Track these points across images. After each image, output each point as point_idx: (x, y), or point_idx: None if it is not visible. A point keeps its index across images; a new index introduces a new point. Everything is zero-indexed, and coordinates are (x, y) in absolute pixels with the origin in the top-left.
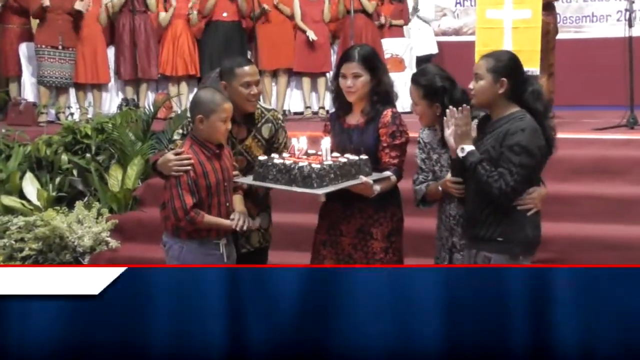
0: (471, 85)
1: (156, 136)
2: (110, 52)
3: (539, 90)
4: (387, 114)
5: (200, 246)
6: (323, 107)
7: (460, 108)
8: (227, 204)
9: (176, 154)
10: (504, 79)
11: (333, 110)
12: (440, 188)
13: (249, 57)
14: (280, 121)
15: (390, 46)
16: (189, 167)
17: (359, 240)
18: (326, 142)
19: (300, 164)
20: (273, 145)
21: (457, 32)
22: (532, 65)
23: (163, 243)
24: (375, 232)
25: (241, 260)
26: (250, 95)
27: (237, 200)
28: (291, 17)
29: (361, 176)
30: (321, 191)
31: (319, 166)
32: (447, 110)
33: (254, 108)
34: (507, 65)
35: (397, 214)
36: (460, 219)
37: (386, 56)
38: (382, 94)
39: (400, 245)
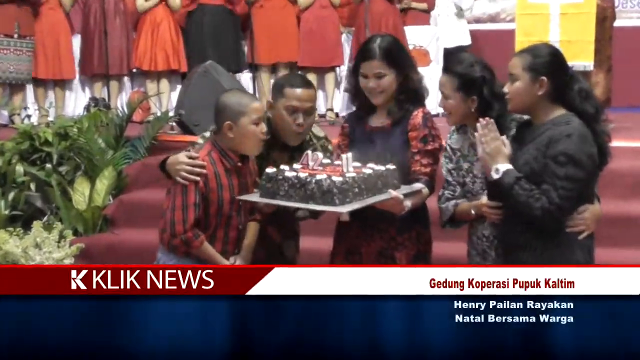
0: (506, 88)
1: (131, 143)
2: (76, 42)
3: (588, 89)
4: (418, 115)
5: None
6: (332, 109)
7: (483, 122)
8: (240, 227)
9: (189, 157)
10: (544, 77)
11: (350, 111)
12: (473, 211)
13: (243, 48)
14: (329, 154)
15: (412, 36)
16: (197, 178)
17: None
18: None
19: (318, 176)
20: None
21: (493, 18)
22: (584, 59)
23: (157, 259)
24: (399, 256)
25: None
26: (296, 124)
27: (249, 231)
28: (294, 1)
29: (390, 190)
30: (345, 209)
31: (340, 179)
32: (478, 125)
33: (297, 141)
34: (547, 62)
35: (424, 235)
36: (494, 240)
37: (409, 47)
38: (410, 92)
39: None
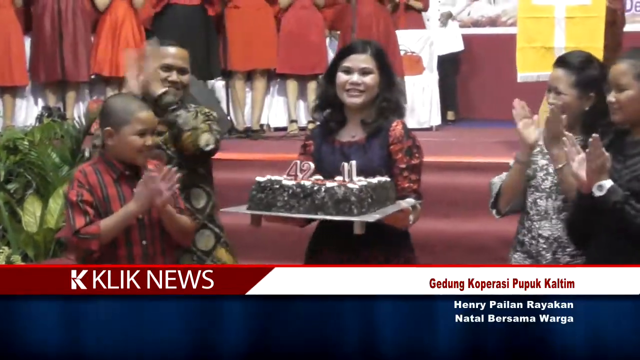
0: (612, 98)
1: (89, 158)
2: (28, 43)
3: None
4: (398, 126)
5: None
6: (313, 121)
7: (591, 140)
8: (144, 242)
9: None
10: None
11: (315, 124)
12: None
13: (217, 53)
14: (202, 109)
15: (403, 40)
16: None
17: None
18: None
19: (329, 184)
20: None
21: (493, 22)
22: None
23: None
24: None
25: None
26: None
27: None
28: (272, 1)
29: (400, 201)
30: (372, 218)
31: (357, 187)
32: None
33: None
34: None
35: (412, 260)
36: (554, 242)
37: None
38: (392, 101)
39: None
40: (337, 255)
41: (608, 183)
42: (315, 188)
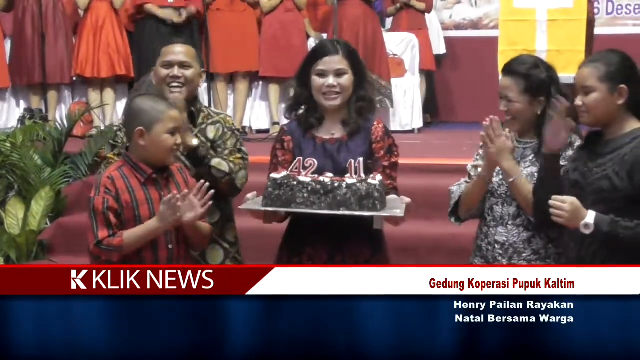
0: (579, 101)
1: (71, 160)
2: (8, 45)
3: None
4: (379, 125)
5: None
6: (277, 123)
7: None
8: (170, 246)
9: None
10: (623, 86)
11: (290, 122)
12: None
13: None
14: (231, 125)
15: (386, 42)
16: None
17: None
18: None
19: (349, 181)
20: (216, 150)
21: (475, 25)
22: (575, 71)
23: None
24: None
25: None
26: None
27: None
28: (254, 4)
29: (403, 197)
30: (396, 213)
31: (377, 182)
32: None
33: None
34: (622, 69)
35: (388, 256)
36: (510, 248)
37: None
38: (367, 100)
39: None
40: (321, 252)
41: (591, 218)
42: (336, 185)
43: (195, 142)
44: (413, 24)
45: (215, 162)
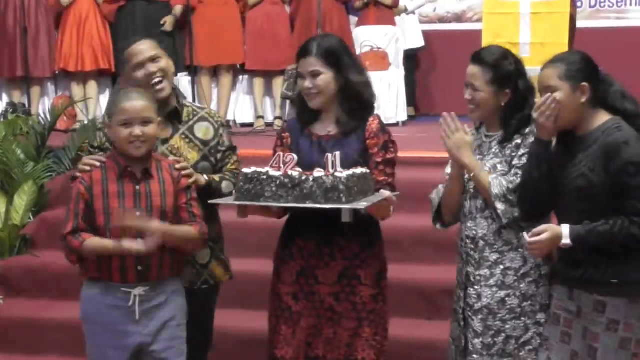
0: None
1: (55, 154)
2: None
3: (622, 88)
4: (375, 121)
5: (103, 293)
6: (280, 117)
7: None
8: (139, 268)
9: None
10: (585, 83)
11: (291, 119)
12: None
13: (182, 48)
14: (219, 119)
15: (370, 36)
16: (88, 168)
17: (342, 288)
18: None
19: (316, 174)
20: (217, 148)
21: (458, 18)
22: None
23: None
24: (363, 274)
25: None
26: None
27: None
28: None
29: (383, 190)
30: (361, 206)
31: (345, 175)
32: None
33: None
34: (583, 67)
35: (383, 251)
36: (480, 241)
37: (364, 50)
38: (354, 97)
39: (389, 292)
40: (311, 243)
41: (566, 230)
42: (303, 178)
43: (204, 179)
44: (381, 19)
45: (224, 186)
